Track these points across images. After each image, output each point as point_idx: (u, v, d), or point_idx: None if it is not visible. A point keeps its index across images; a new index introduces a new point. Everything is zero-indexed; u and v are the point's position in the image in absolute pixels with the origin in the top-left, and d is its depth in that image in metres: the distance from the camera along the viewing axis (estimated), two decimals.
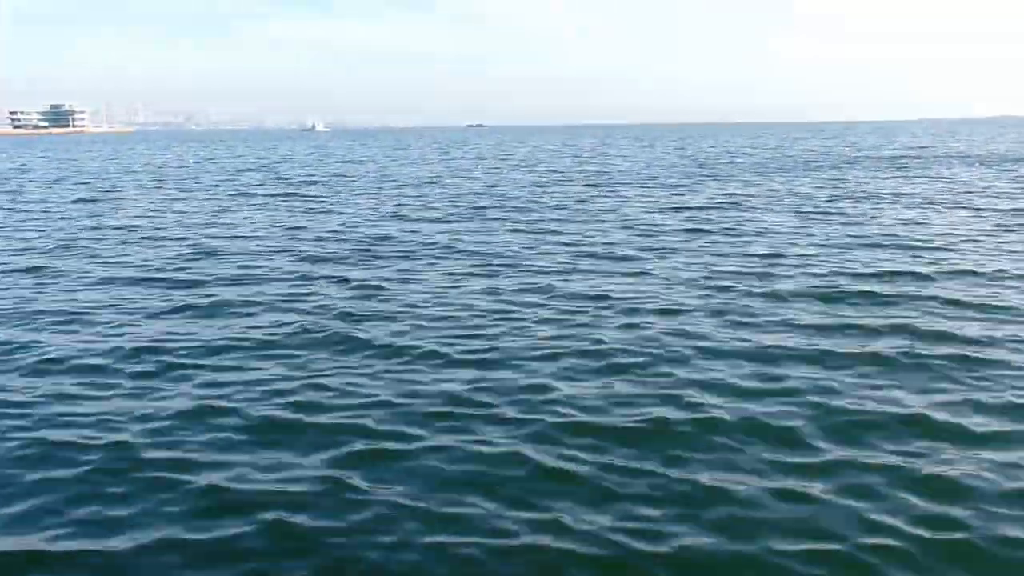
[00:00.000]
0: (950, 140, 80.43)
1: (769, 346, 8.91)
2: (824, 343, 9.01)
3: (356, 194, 29.80)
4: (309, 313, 10.86)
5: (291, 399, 7.58)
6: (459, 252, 15.84)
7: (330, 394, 7.69)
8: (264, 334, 9.84)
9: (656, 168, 43.39)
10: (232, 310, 11.18)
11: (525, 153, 67.70)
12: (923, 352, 8.57)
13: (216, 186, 34.69)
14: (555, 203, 25.13)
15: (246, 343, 9.45)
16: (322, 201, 27.23)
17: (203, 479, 5.93)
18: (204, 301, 11.74)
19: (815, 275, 12.83)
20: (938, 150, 59.00)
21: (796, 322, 9.95)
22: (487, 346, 9.16)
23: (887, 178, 33.26)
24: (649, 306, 10.91)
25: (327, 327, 10.02)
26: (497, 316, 10.47)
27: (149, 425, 6.96)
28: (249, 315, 10.90)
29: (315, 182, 36.40)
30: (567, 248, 16.13)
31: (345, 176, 40.39)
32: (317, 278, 13.34)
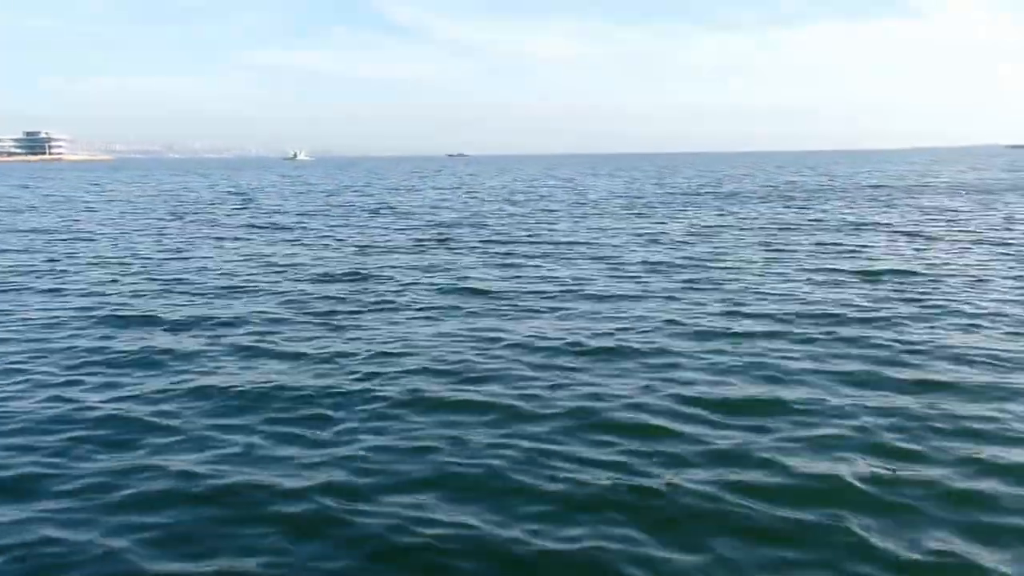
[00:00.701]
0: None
1: (734, 396, 8.60)
2: (786, 391, 8.73)
3: (331, 225, 29.46)
4: (269, 358, 10.34)
5: (226, 460, 7.12)
6: (429, 287, 15.47)
7: (279, 453, 7.25)
8: (212, 383, 9.40)
9: (634, 198, 43.37)
10: (185, 355, 10.57)
11: (504, 182, 67.62)
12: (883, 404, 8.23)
13: (186, 216, 34.16)
14: (529, 234, 24.92)
15: (191, 396, 8.93)
16: (294, 232, 26.85)
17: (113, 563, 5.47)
18: (154, 344, 11.15)
19: (784, 315, 12.52)
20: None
21: (763, 366, 9.64)
22: (435, 392, 8.78)
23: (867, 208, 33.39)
24: (609, 348, 10.56)
25: (288, 376, 9.53)
26: (459, 361, 9.95)
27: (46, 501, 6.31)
28: (203, 363, 10.33)
29: (289, 212, 36.05)
30: (539, 283, 15.80)
31: (321, 206, 40.06)
32: (282, 319, 12.72)
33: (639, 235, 24.41)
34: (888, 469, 6.63)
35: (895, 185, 52.86)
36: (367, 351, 10.47)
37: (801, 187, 52.42)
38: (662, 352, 10.31)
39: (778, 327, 11.58)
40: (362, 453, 7.13)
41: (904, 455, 6.96)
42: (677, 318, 12.29)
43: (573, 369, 9.58)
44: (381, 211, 36.00)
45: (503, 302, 13.83)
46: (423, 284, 15.78)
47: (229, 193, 54.62)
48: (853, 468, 6.66)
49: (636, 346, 10.61)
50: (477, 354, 10.25)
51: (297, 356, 10.36)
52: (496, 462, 6.85)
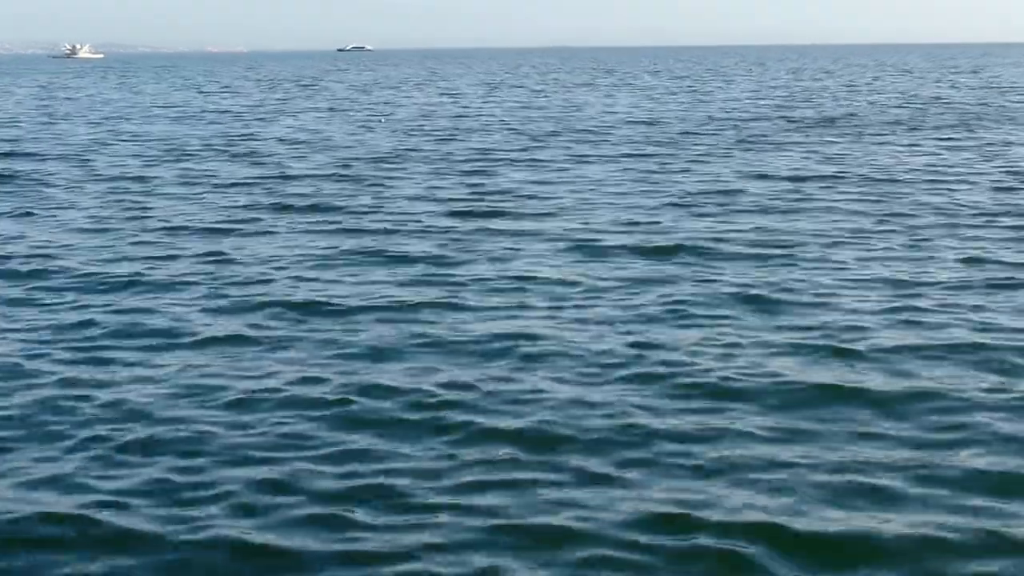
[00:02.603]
0: None
1: None
2: None
3: (93, 177, 29.16)
4: None
5: None
6: (241, 295, 15.15)
7: None
8: None
9: (645, 126, 43.24)
10: None
11: (422, 95, 69.20)
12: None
13: None
14: (458, 195, 24.26)
15: None
16: (13, 193, 26.37)
17: None
18: None
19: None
20: None
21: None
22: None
23: None
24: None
25: None
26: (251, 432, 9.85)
27: None
28: None
29: (20, 154, 35.44)
30: (456, 290, 15.34)
31: (83, 143, 39.40)
32: None
33: (661, 196, 23.90)
34: None
35: None
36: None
37: (949, 105, 51.61)
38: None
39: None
40: None
41: None
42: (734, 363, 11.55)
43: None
44: (195, 152, 35.51)
45: (382, 340, 13.02)
46: (236, 292, 15.40)
47: None
48: None
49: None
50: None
51: None
52: None
